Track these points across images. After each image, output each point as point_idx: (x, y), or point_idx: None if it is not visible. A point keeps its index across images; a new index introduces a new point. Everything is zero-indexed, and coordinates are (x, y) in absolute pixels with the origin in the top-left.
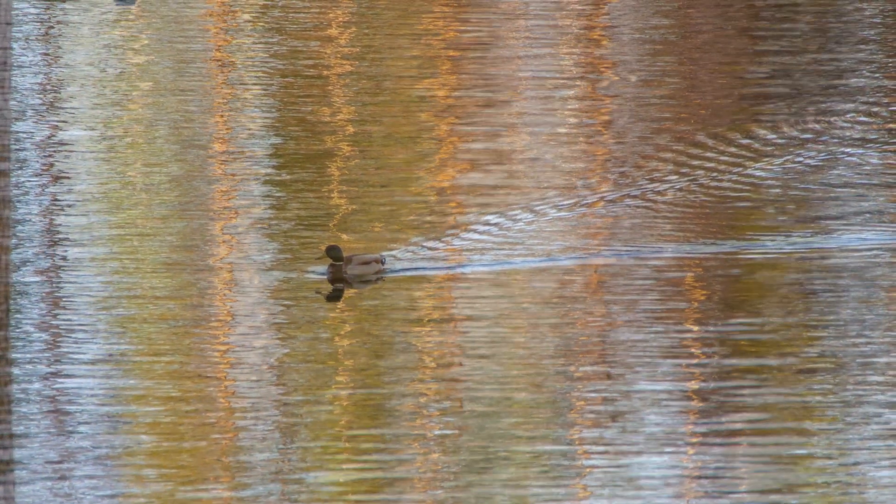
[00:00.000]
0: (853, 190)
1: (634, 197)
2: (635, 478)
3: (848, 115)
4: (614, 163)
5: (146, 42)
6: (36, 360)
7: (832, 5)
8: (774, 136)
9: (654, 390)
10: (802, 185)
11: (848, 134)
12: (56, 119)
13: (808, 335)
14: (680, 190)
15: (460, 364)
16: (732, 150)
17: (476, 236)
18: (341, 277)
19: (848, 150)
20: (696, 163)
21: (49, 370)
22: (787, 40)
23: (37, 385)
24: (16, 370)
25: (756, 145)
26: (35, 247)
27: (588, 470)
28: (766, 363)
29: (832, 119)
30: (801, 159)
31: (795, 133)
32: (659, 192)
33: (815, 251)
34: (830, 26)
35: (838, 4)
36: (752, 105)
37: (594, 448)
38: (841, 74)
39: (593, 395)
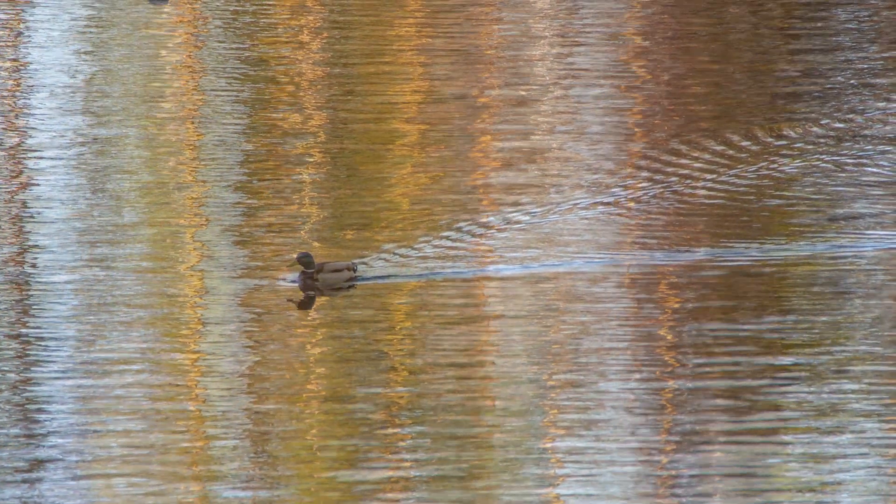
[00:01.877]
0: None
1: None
2: (608, 483)
3: (882, 114)
4: (588, 169)
5: (116, 48)
6: (5, 368)
7: (864, 4)
8: (804, 134)
9: (626, 396)
10: (833, 185)
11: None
12: (25, 125)
13: (784, 341)
14: (656, 196)
15: (493, 363)
16: (757, 148)
17: (449, 243)
18: (313, 285)
19: (887, 149)
20: (723, 161)
21: (18, 378)
22: (820, 39)
23: (6, 393)
24: None
25: (785, 143)
26: (4, 254)
27: (561, 479)
28: (742, 368)
29: (863, 118)
30: (833, 158)
31: (824, 132)
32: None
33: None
34: (863, 25)
35: (871, 3)
36: (786, 104)
37: (567, 457)
38: (875, 73)
39: (566, 402)
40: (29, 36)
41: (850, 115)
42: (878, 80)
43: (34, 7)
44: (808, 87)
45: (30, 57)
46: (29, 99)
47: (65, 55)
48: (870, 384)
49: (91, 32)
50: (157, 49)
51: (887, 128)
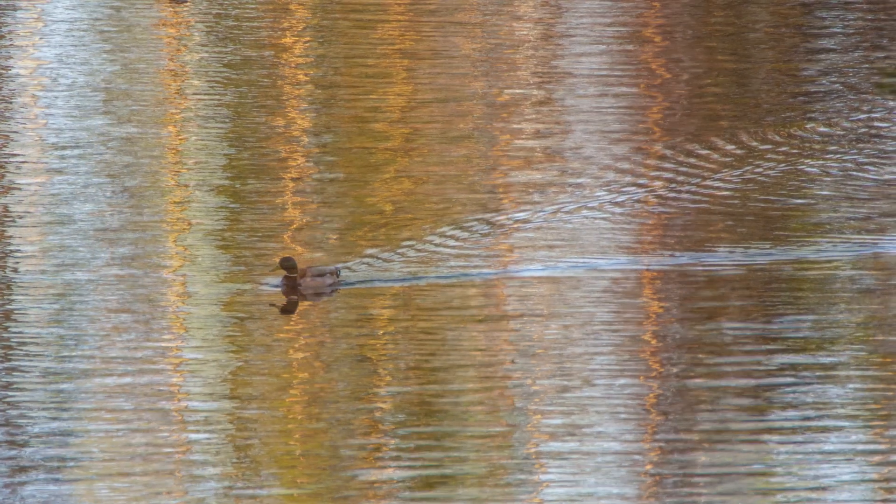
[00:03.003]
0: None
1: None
2: (592, 493)
3: None
4: (572, 172)
5: (98, 51)
6: None
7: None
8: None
9: (611, 409)
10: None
11: None
12: (6, 129)
13: (767, 347)
14: (640, 201)
15: (512, 361)
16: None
17: (432, 248)
18: (296, 290)
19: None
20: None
21: (0, 383)
22: (839, 37)
23: None
24: None
25: (810, 142)
26: None
27: (545, 485)
28: (728, 379)
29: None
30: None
31: (851, 129)
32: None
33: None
34: (883, 24)
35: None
36: (805, 103)
37: (550, 463)
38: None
39: (549, 407)
40: (10, 39)
41: (865, 116)
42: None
43: (17, 10)
44: (827, 86)
45: (10, 61)
46: (10, 103)
47: (46, 58)
48: (856, 389)
49: (72, 36)
50: (139, 54)
51: None
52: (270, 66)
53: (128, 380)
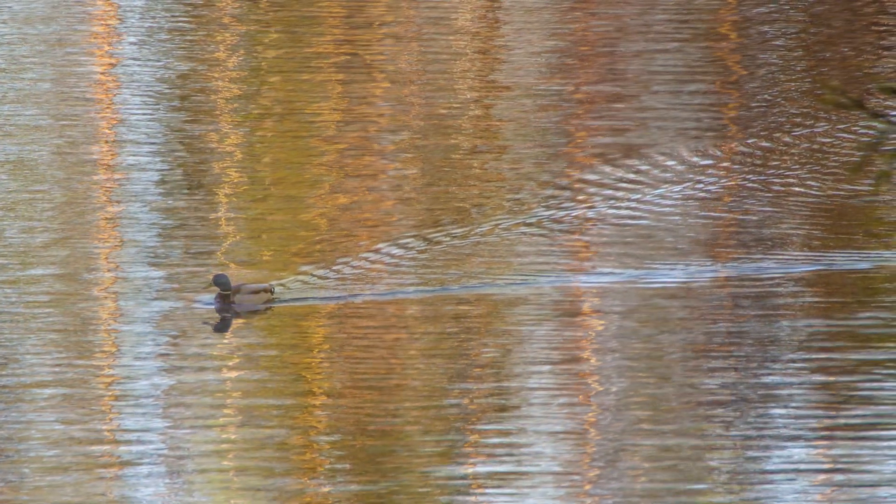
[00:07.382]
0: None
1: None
2: None
3: None
4: (510, 188)
5: (29, 65)
6: None
7: None
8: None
9: (550, 429)
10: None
11: None
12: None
13: (709, 366)
14: (578, 217)
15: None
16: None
17: (368, 265)
18: (229, 307)
19: None
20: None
21: None
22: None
23: None
24: None
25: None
26: None
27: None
28: (668, 399)
29: None
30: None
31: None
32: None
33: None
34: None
35: None
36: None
37: (490, 482)
38: None
39: (488, 427)
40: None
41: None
42: None
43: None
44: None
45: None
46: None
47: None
48: (799, 408)
49: (2, 49)
50: (70, 67)
51: None
52: (203, 81)
53: (59, 399)
